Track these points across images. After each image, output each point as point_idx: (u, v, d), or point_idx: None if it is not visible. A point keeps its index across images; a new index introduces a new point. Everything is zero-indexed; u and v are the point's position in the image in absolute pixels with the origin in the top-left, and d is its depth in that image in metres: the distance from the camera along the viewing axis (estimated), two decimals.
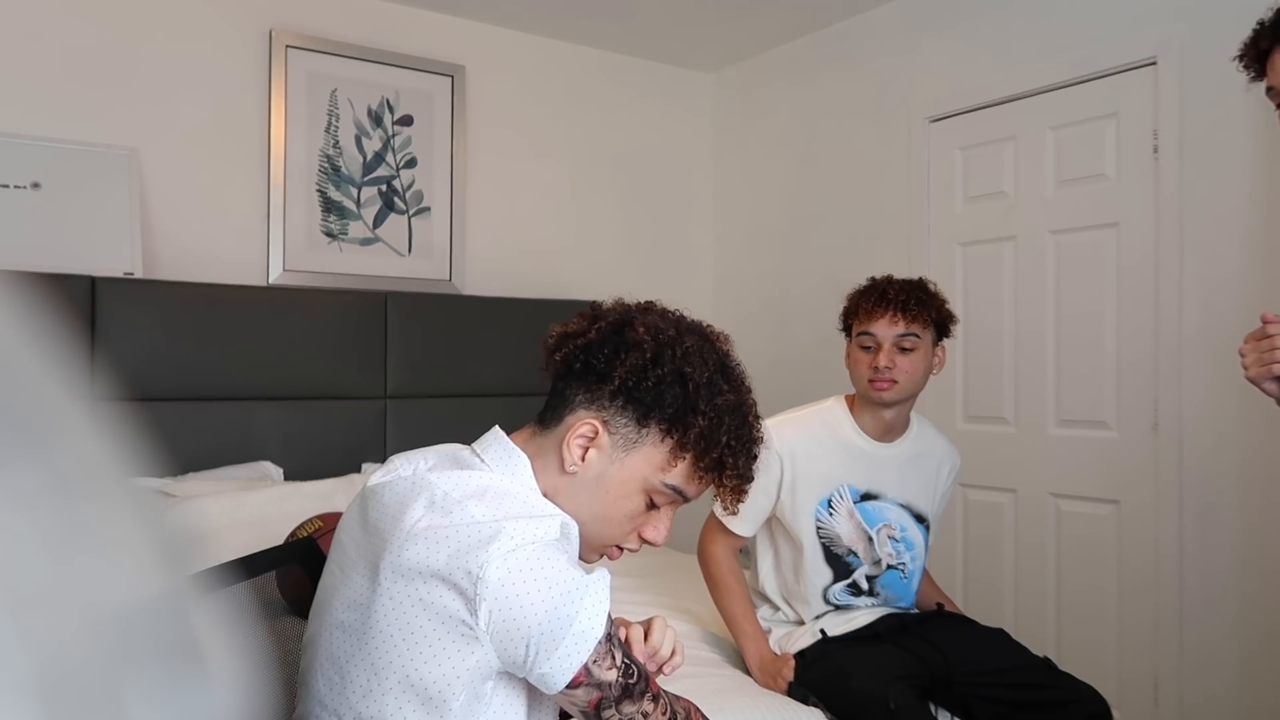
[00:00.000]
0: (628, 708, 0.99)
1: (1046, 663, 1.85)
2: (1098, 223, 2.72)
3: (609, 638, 0.97)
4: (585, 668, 0.94)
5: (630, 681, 0.99)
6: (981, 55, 3.03)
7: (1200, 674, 2.47)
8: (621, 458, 1.04)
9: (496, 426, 1.11)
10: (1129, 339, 2.65)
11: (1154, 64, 2.57)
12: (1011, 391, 2.95)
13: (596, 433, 1.03)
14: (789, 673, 1.82)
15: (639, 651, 1.12)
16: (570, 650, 0.93)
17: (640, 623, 1.17)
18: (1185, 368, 2.50)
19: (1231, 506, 2.42)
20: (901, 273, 2.04)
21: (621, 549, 1.10)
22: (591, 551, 1.09)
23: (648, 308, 1.11)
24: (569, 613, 0.93)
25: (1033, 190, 2.90)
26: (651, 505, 1.07)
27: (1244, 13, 2.41)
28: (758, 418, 1.08)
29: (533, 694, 1.02)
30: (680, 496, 1.07)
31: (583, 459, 1.04)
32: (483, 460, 1.07)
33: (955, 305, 3.12)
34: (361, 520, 1.05)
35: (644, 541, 1.09)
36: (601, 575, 0.98)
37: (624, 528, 1.07)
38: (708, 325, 1.12)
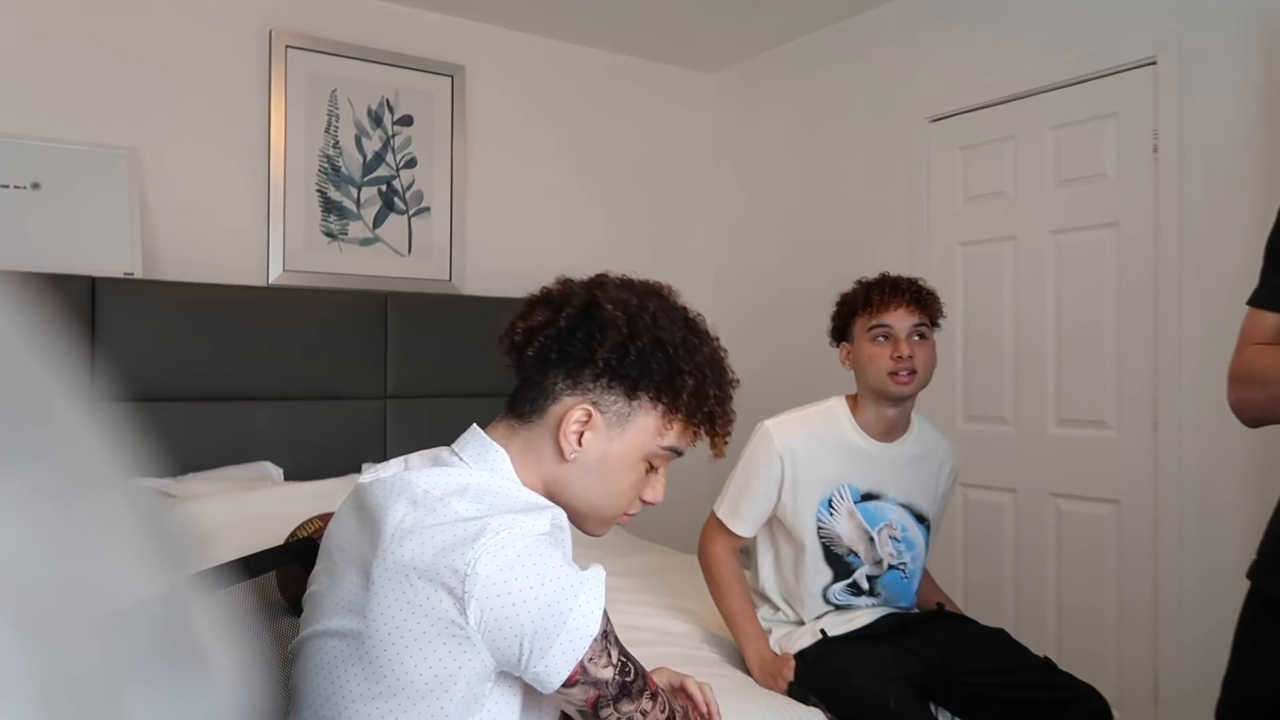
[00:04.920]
0: (626, 706, 0.98)
1: (1047, 663, 1.85)
2: (1098, 223, 2.72)
3: (605, 635, 0.96)
4: (581, 665, 0.93)
5: (628, 680, 0.98)
6: (981, 55, 3.03)
7: (1200, 674, 2.47)
8: (619, 434, 1.05)
9: (474, 425, 1.10)
10: (1129, 339, 2.65)
11: (1154, 64, 2.57)
12: (1011, 391, 2.95)
13: (590, 416, 1.04)
14: (789, 673, 1.82)
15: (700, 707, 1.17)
16: (565, 648, 0.92)
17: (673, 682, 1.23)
18: (1185, 368, 2.50)
19: (1231, 506, 2.42)
20: (902, 273, 2.04)
21: (628, 515, 1.13)
22: (601, 525, 1.10)
23: (601, 281, 1.10)
24: (563, 609, 0.92)
25: (1033, 190, 2.90)
26: (650, 468, 1.09)
27: (1244, 13, 2.41)
28: (727, 359, 1.12)
29: (528, 695, 1.01)
30: (677, 454, 1.09)
31: (579, 443, 1.04)
32: (461, 458, 1.06)
33: (955, 305, 3.14)
34: (353, 523, 1.05)
35: (644, 503, 1.12)
36: (596, 571, 0.97)
37: (629, 496, 1.09)
38: (656, 282, 1.13)
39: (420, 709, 0.93)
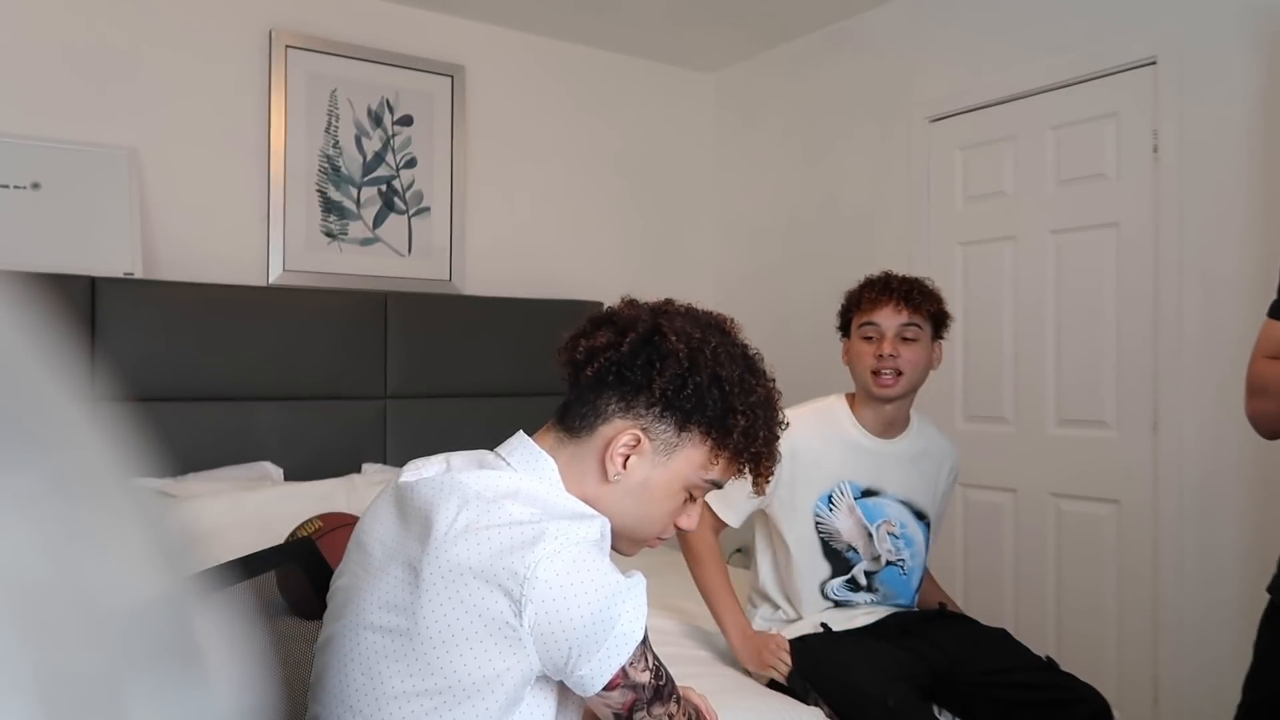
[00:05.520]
0: (657, 709, 1.00)
1: (1048, 663, 1.85)
2: (1098, 223, 2.72)
3: (644, 640, 0.98)
4: (623, 670, 0.95)
5: (660, 683, 1.00)
6: (981, 55, 3.03)
7: (1200, 674, 2.47)
8: (664, 462, 1.06)
9: (521, 431, 1.11)
10: (1129, 339, 2.65)
11: (1154, 64, 2.57)
12: (1011, 391, 2.95)
13: (638, 441, 1.05)
14: (776, 649, 1.80)
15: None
16: (610, 653, 0.94)
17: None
18: (1185, 368, 2.50)
19: (1231, 506, 2.42)
20: (903, 273, 2.04)
21: (659, 539, 1.14)
22: (632, 546, 1.12)
23: (667, 309, 1.11)
24: (611, 615, 0.93)
25: (1033, 190, 2.90)
26: (689, 497, 1.11)
27: (1244, 13, 2.41)
28: (780, 400, 1.13)
29: (561, 697, 1.02)
30: (717, 487, 1.11)
31: (624, 466, 1.05)
32: (508, 463, 1.07)
33: (955, 305, 3.12)
34: (394, 520, 1.05)
35: (677, 529, 1.13)
36: (639, 579, 0.98)
37: (664, 522, 1.10)
38: (719, 315, 1.14)
39: (464, 708, 0.94)
